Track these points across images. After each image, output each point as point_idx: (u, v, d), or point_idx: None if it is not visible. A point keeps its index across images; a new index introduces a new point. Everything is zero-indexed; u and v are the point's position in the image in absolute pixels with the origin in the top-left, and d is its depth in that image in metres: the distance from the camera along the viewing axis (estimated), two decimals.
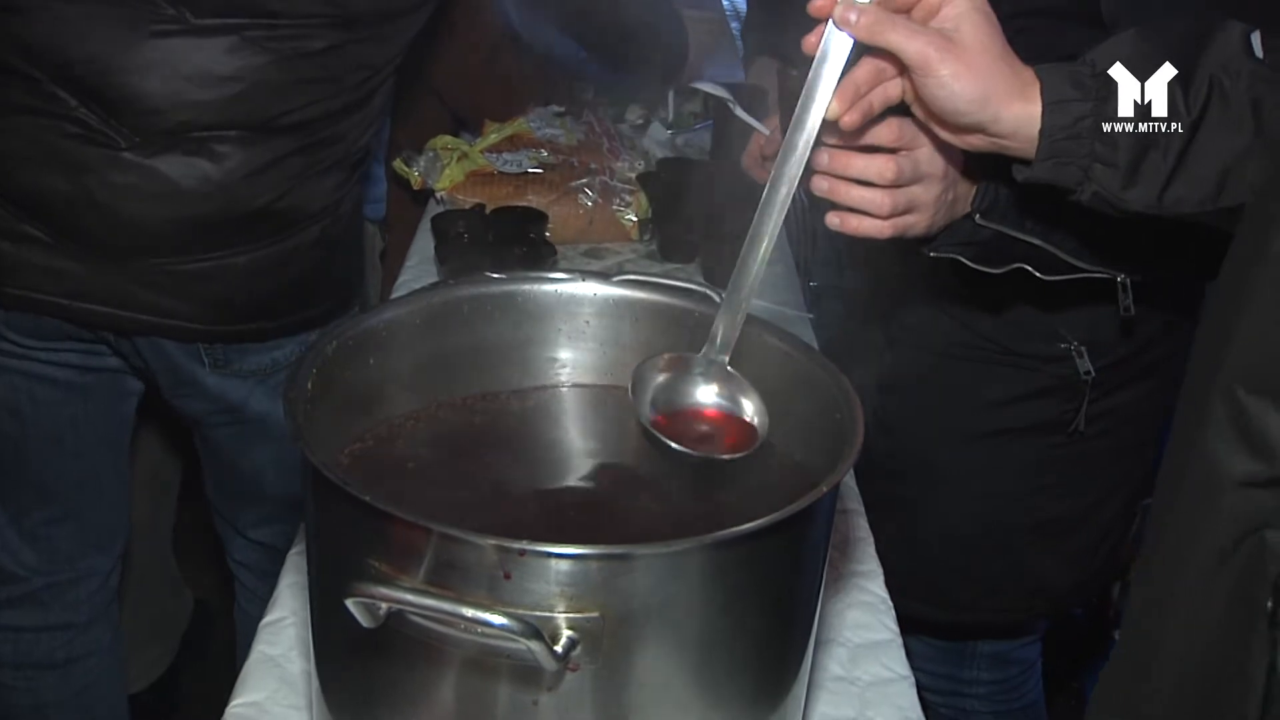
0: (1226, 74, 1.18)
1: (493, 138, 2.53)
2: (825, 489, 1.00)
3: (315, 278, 1.86)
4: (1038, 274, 1.46)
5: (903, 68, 1.14)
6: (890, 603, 1.49)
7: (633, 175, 2.40)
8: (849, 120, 1.14)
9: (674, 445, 1.14)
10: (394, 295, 2.09)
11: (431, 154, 2.47)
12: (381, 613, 0.91)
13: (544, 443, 1.29)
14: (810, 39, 1.11)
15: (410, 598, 0.90)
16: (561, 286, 1.31)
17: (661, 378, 1.20)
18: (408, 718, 1.01)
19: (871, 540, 1.59)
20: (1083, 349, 1.69)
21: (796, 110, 1.11)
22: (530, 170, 2.45)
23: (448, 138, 2.54)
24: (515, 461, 1.24)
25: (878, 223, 1.30)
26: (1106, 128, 1.16)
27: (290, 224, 1.78)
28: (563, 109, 2.67)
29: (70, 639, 2.04)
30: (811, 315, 2.18)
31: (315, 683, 1.12)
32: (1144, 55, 1.18)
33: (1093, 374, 1.70)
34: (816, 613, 1.12)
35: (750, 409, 1.18)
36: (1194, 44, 1.20)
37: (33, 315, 1.75)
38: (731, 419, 1.18)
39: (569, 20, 2.35)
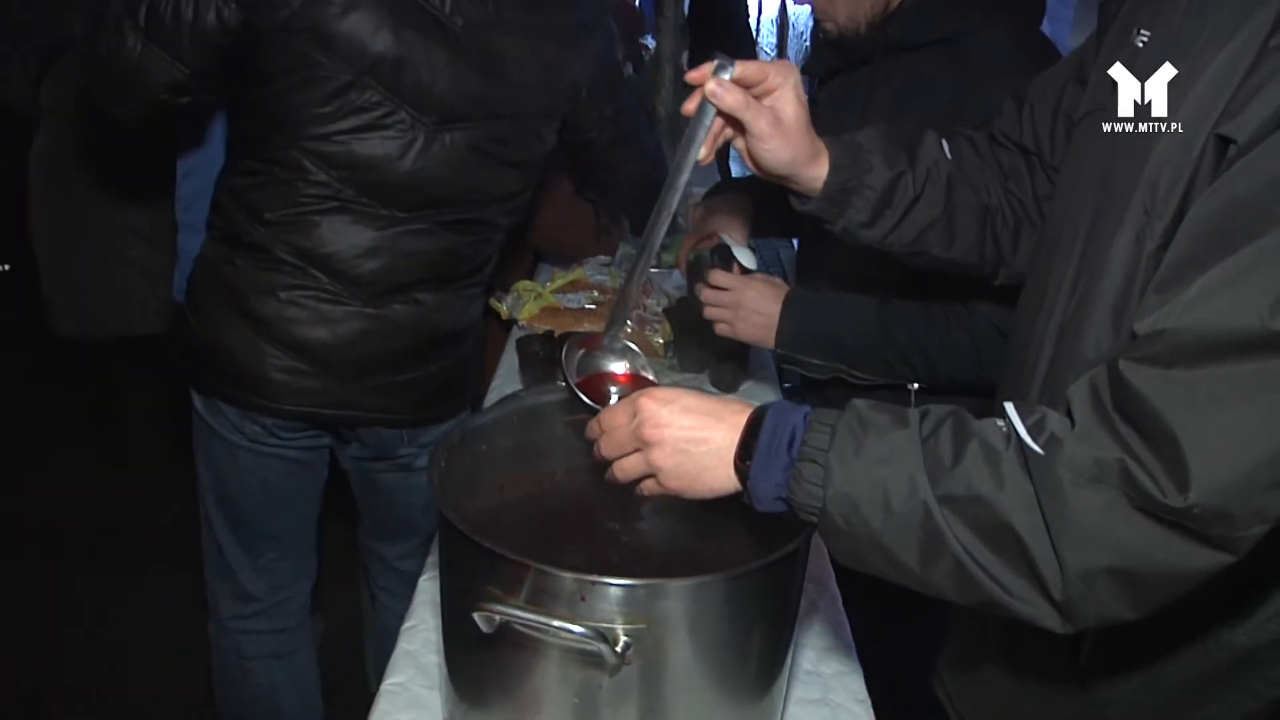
0: (936, 167, 1.29)
1: (559, 282, 2.56)
2: (804, 535, 1.04)
3: (467, 374, 1.96)
4: (852, 380, 1.69)
5: (742, 128, 1.16)
6: (845, 615, 1.49)
7: (659, 309, 2.42)
8: (707, 159, 1.17)
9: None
10: (487, 398, 2.12)
11: (515, 294, 2.51)
12: (496, 622, 0.96)
13: (607, 501, 1.30)
14: (689, 105, 1.13)
15: (516, 612, 0.95)
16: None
17: (581, 353, 1.24)
18: (511, 696, 1.03)
19: (832, 571, 1.57)
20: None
21: (680, 151, 1.13)
22: (587, 306, 2.48)
23: (527, 282, 2.57)
24: (589, 514, 1.27)
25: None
26: (862, 187, 1.26)
27: (459, 339, 1.88)
28: (609, 260, 2.71)
29: (289, 638, 2.10)
30: None
31: (444, 670, 1.15)
32: (890, 141, 1.28)
33: None
34: (795, 624, 1.14)
35: (649, 372, 1.25)
36: (915, 142, 1.30)
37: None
38: (638, 378, 1.24)
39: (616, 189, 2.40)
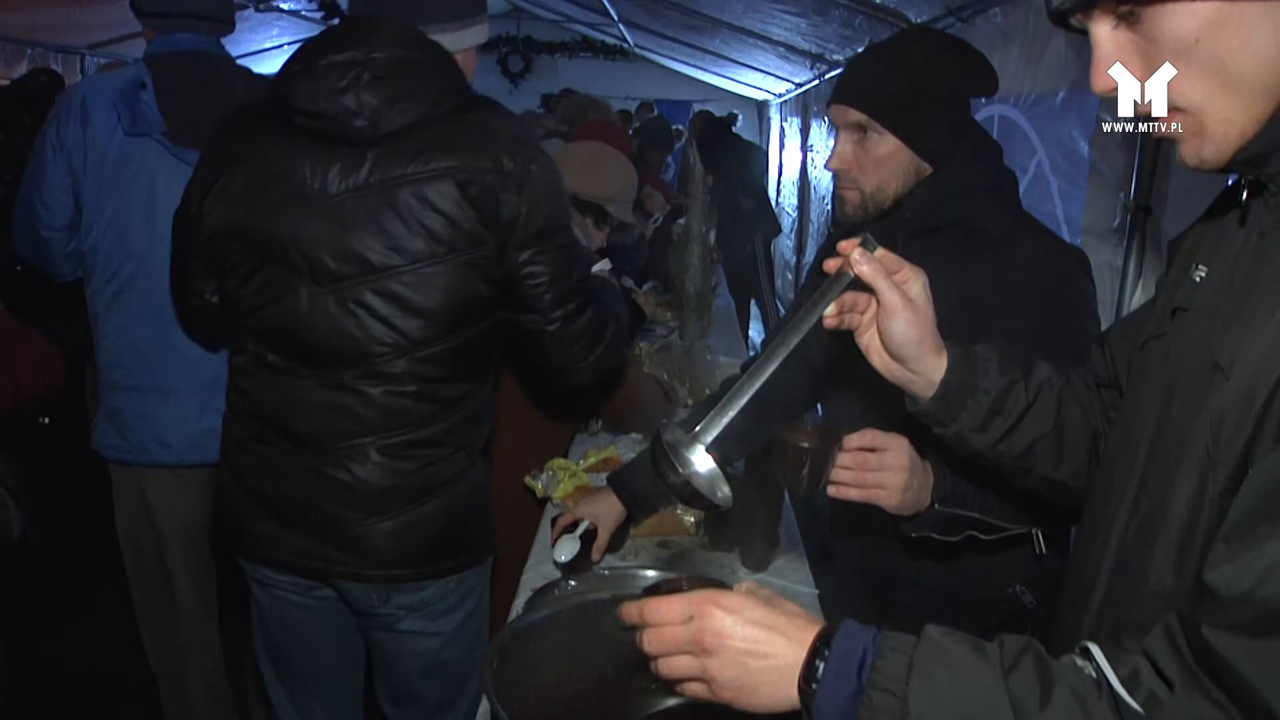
0: (1048, 382, 1.34)
1: (592, 460, 2.59)
2: None
3: (439, 538, 1.96)
4: (982, 536, 1.61)
5: (872, 304, 1.23)
6: None
7: None
8: (831, 321, 1.22)
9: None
10: (522, 577, 2.15)
11: (550, 473, 2.53)
12: None
13: (648, 685, 1.32)
14: (830, 264, 1.20)
15: None
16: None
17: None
18: None
19: None
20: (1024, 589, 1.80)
21: (809, 303, 1.19)
22: None
23: (561, 459, 2.59)
24: (637, 700, 1.30)
25: (856, 491, 1.50)
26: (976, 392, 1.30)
27: (418, 500, 1.92)
28: (641, 438, 2.75)
29: None
30: (818, 590, 2.18)
31: None
32: (1004, 353, 1.33)
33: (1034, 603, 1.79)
34: None
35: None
36: (1029, 360, 1.36)
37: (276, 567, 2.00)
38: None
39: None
